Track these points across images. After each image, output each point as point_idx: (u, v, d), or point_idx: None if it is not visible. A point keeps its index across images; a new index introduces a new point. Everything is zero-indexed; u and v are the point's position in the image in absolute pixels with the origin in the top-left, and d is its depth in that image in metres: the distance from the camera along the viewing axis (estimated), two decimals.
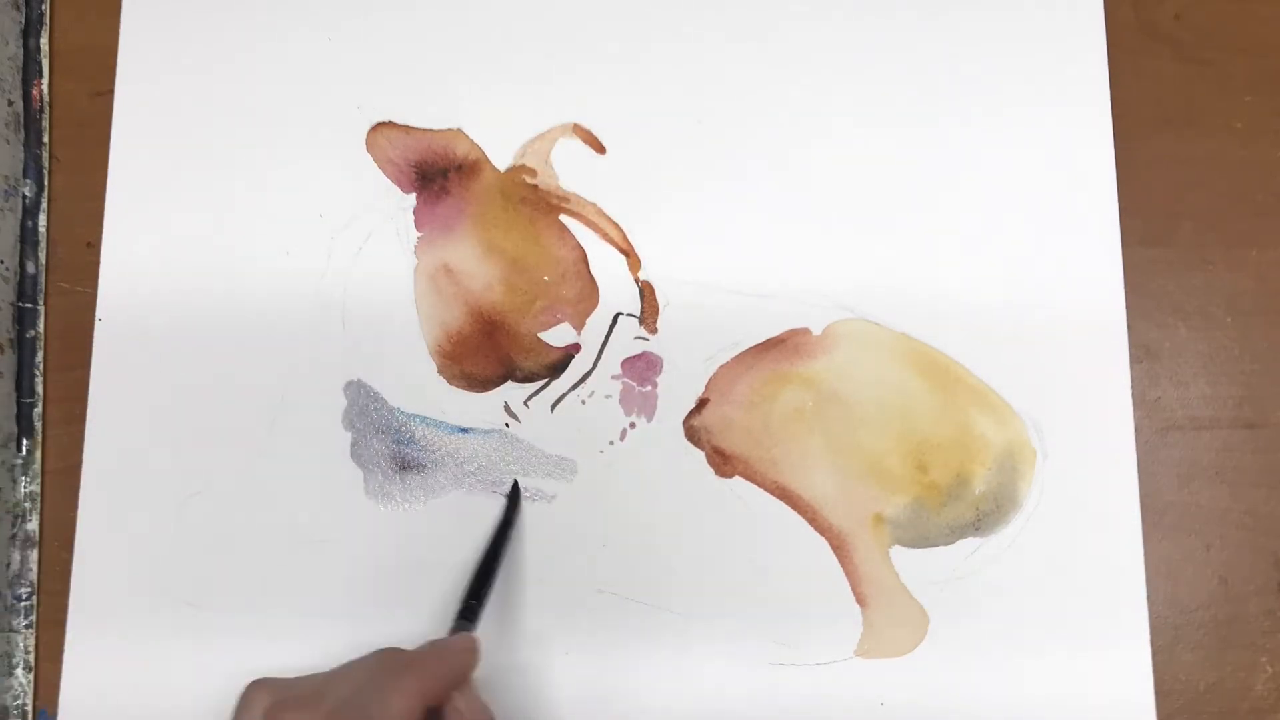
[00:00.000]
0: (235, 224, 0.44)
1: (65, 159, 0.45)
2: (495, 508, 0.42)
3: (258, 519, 0.42)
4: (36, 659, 0.42)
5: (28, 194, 0.44)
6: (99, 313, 0.43)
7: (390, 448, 0.42)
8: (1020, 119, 0.44)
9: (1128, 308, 0.43)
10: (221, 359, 0.43)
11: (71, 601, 0.41)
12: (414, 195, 0.44)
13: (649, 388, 0.42)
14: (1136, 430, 0.42)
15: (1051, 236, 0.43)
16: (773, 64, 0.44)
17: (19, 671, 0.42)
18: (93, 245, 0.44)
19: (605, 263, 0.43)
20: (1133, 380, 0.42)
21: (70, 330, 0.43)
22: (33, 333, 0.44)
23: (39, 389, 0.44)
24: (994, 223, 0.43)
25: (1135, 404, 0.42)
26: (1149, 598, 0.41)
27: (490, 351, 0.43)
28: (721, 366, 0.43)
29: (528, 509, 0.42)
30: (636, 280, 0.43)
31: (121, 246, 0.44)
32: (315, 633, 0.41)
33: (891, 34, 0.45)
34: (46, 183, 0.45)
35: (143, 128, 0.44)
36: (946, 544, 0.42)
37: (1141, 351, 0.43)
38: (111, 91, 0.45)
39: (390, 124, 0.44)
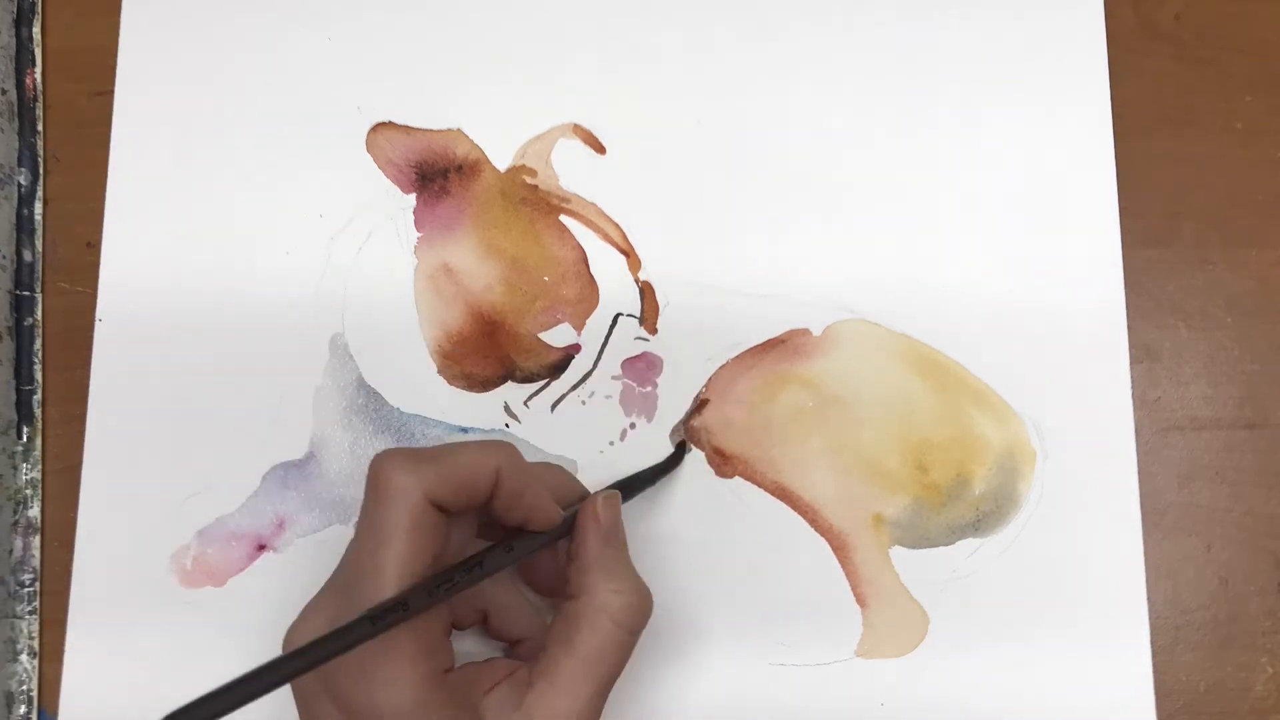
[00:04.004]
0: (235, 224, 0.44)
1: (64, 159, 0.45)
2: None
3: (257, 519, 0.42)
4: (41, 647, 0.42)
5: (23, 182, 0.44)
6: (99, 313, 0.43)
7: (390, 447, 0.42)
8: (1020, 119, 0.44)
9: (1128, 308, 0.43)
10: (221, 359, 0.43)
11: (72, 601, 0.41)
12: (414, 195, 0.44)
13: (649, 388, 0.42)
14: (1136, 430, 0.42)
15: (1051, 236, 0.43)
16: (773, 64, 0.44)
17: (23, 658, 0.42)
18: (93, 245, 0.44)
19: (605, 263, 0.43)
20: (1133, 380, 0.42)
21: (70, 330, 0.43)
22: (30, 320, 0.44)
23: (38, 376, 0.43)
24: (994, 223, 0.43)
25: (1135, 404, 0.42)
26: (1149, 598, 0.41)
27: (490, 351, 0.43)
28: (721, 367, 0.43)
29: None
30: (636, 280, 0.43)
31: (121, 246, 0.44)
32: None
33: (891, 34, 0.45)
34: (41, 171, 0.45)
35: (143, 128, 0.44)
36: (946, 544, 0.42)
37: (1141, 351, 0.43)
38: (111, 91, 0.45)
39: (390, 124, 0.44)
